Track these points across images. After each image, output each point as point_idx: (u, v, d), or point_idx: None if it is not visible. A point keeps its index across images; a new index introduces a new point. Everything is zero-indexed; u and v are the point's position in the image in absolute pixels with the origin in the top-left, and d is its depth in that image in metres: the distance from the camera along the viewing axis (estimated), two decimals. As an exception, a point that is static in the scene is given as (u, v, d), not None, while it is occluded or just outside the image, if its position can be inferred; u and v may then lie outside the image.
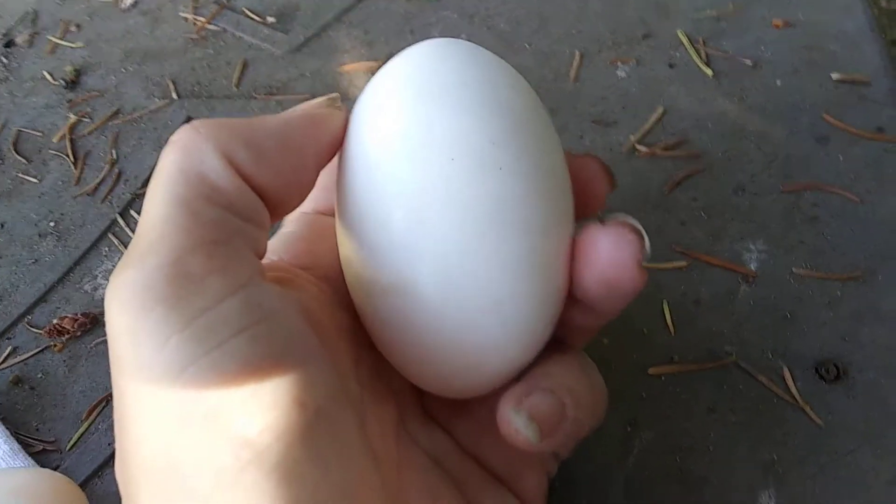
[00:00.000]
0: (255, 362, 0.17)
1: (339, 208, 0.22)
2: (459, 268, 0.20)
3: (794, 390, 0.30)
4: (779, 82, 0.41)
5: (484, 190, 0.20)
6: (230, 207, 0.19)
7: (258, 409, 0.17)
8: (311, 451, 0.17)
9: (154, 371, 0.17)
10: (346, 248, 0.22)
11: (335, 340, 0.22)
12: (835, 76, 0.40)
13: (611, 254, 0.21)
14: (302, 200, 0.22)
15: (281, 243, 0.25)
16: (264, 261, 0.21)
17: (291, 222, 0.26)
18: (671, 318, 0.33)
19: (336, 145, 0.22)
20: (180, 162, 0.19)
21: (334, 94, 0.22)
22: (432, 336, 0.21)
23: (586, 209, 0.23)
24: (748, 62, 0.42)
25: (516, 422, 0.21)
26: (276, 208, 0.21)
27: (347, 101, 0.24)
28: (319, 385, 0.18)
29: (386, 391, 0.23)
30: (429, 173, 0.20)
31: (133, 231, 0.40)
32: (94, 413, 0.34)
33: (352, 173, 0.21)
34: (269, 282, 0.19)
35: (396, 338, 0.22)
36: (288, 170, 0.20)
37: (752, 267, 0.34)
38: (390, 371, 0.24)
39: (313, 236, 0.25)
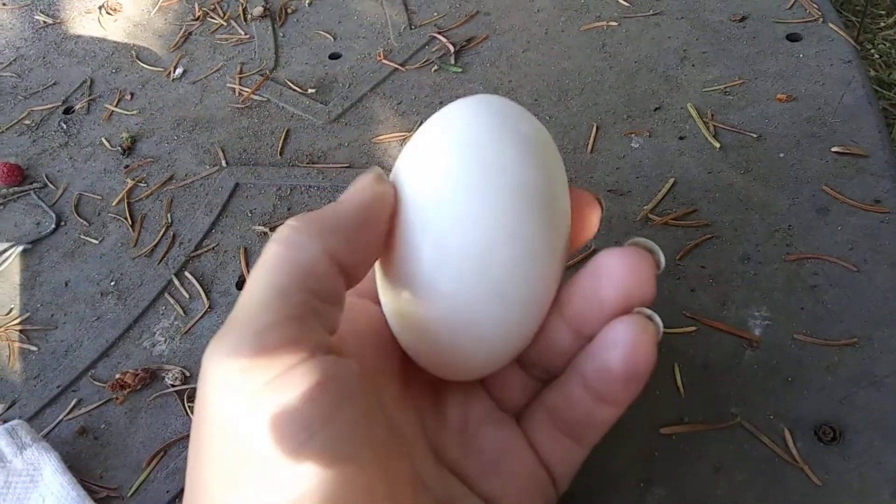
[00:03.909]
0: (311, 421, 0.21)
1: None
2: (472, 281, 0.25)
3: (794, 451, 0.33)
4: (782, 155, 0.44)
5: (501, 223, 0.24)
6: (317, 292, 0.23)
7: (308, 466, 0.20)
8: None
9: (227, 418, 0.21)
10: (386, 270, 0.27)
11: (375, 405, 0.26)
12: (834, 149, 0.43)
13: (630, 269, 0.25)
14: (371, 267, 0.26)
15: None
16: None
17: None
18: (681, 380, 0.36)
19: (393, 215, 0.26)
20: (282, 254, 0.23)
21: (378, 169, 0.26)
22: (447, 330, 0.26)
23: (581, 233, 0.28)
24: (753, 135, 0.45)
25: (639, 319, 0.25)
26: (353, 279, 0.25)
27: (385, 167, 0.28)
28: (364, 447, 0.22)
29: (400, 446, 0.26)
30: (457, 209, 0.24)
31: (186, 291, 0.44)
32: (154, 462, 0.37)
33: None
34: (332, 353, 0.23)
35: (419, 332, 0.26)
36: (366, 247, 0.25)
37: (757, 332, 0.37)
38: (403, 426, 0.27)
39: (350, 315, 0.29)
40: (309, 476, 0.20)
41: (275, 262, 0.23)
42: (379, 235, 0.25)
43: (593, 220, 0.28)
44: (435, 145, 0.26)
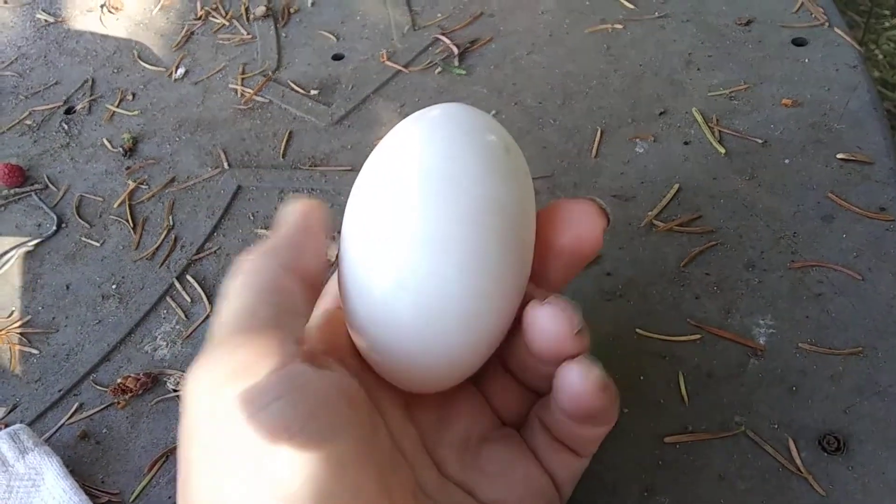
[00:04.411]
0: (291, 422, 0.21)
1: (340, 254, 0.27)
2: (429, 301, 0.25)
3: (798, 460, 0.32)
4: (787, 161, 0.44)
5: (463, 238, 0.25)
6: (282, 305, 0.24)
7: (292, 465, 0.21)
8: None
9: (212, 429, 0.22)
10: (346, 288, 0.27)
11: (360, 411, 0.26)
12: (840, 156, 0.43)
13: (551, 327, 0.26)
14: (325, 273, 0.27)
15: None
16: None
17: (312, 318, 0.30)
18: (686, 389, 0.35)
19: (329, 224, 0.27)
20: (244, 280, 0.25)
21: (297, 196, 0.29)
22: (406, 346, 0.26)
23: (583, 247, 0.28)
24: (759, 140, 0.45)
25: (582, 366, 0.25)
26: (315, 288, 0.27)
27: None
28: (346, 447, 0.22)
29: (402, 456, 0.27)
30: (419, 219, 0.25)
31: (188, 294, 0.43)
32: (156, 467, 0.37)
33: (353, 222, 0.26)
34: (306, 363, 0.24)
35: (382, 348, 0.26)
36: (316, 255, 0.27)
37: (761, 341, 0.36)
38: (405, 437, 0.27)
39: (329, 327, 0.29)
40: (291, 475, 0.21)
41: (240, 288, 0.25)
42: (322, 242, 0.27)
43: (597, 233, 0.28)
44: (392, 164, 0.26)
